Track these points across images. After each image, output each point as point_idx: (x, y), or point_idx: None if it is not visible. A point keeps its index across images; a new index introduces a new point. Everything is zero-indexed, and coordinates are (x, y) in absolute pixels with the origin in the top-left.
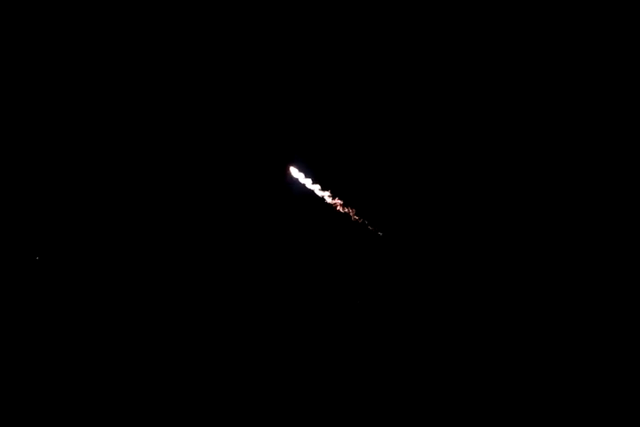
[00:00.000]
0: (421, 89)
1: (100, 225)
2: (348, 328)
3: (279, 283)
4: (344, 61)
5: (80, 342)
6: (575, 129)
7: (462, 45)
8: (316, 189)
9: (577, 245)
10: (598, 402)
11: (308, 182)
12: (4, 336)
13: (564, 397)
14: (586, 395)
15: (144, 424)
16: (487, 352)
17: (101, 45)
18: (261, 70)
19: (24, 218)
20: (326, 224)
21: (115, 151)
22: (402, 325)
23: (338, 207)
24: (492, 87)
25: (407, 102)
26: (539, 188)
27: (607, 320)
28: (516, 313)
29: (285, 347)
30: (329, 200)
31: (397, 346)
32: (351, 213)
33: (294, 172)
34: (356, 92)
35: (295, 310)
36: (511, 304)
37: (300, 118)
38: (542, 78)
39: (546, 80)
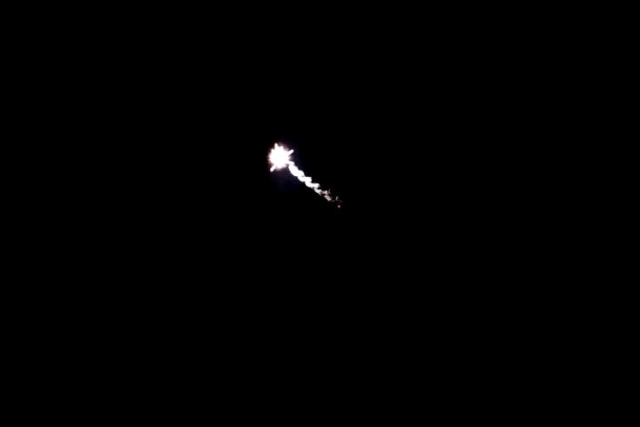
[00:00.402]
0: (418, 90)
1: (95, 223)
2: (345, 323)
3: (278, 279)
4: (342, 62)
5: (79, 341)
6: (575, 129)
7: (462, 46)
8: (315, 187)
9: (577, 245)
10: (598, 402)
11: (307, 180)
12: (4, 336)
13: (564, 397)
14: (586, 395)
15: (144, 424)
16: (486, 351)
17: (101, 45)
18: (260, 70)
19: (24, 218)
20: (324, 221)
21: (107, 147)
22: (397, 320)
23: (338, 206)
24: (491, 87)
25: (405, 105)
26: (534, 187)
27: (607, 320)
28: (514, 312)
29: (281, 340)
30: (328, 198)
31: (393, 342)
32: (349, 211)
33: (294, 170)
34: (356, 95)
35: (294, 303)
36: (509, 303)
37: (300, 118)
38: (542, 79)
39: (546, 80)
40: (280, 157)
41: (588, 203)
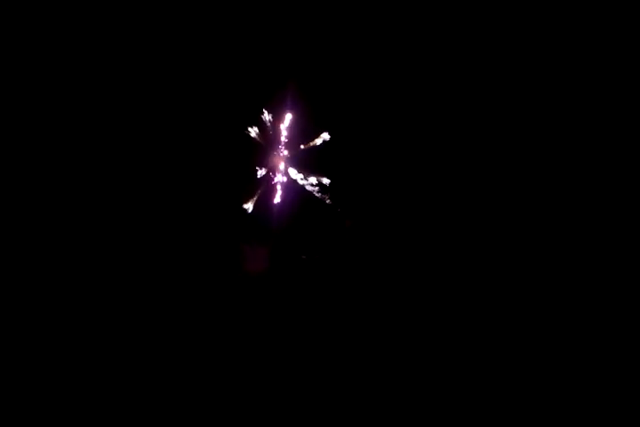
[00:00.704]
0: (415, 93)
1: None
2: (344, 325)
3: (278, 282)
4: (340, 65)
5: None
6: (575, 129)
7: (462, 46)
8: (315, 191)
9: (576, 246)
10: (598, 402)
11: (306, 184)
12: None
13: (564, 397)
14: (586, 395)
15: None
16: (484, 351)
17: (101, 46)
18: (260, 73)
19: (24, 218)
20: (324, 223)
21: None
22: (397, 320)
23: (337, 209)
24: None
25: (403, 108)
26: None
27: (607, 320)
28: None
29: (281, 341)
30: (328, 202)
31: (393, 342)
32: (348, 214)
33: (293, 173)
34: (354, 98)
35: (293, 306)
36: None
37: (299, 122)
38: (542, 79)
39: (546, 81)
40: (279, 161)
41: (587, 203)
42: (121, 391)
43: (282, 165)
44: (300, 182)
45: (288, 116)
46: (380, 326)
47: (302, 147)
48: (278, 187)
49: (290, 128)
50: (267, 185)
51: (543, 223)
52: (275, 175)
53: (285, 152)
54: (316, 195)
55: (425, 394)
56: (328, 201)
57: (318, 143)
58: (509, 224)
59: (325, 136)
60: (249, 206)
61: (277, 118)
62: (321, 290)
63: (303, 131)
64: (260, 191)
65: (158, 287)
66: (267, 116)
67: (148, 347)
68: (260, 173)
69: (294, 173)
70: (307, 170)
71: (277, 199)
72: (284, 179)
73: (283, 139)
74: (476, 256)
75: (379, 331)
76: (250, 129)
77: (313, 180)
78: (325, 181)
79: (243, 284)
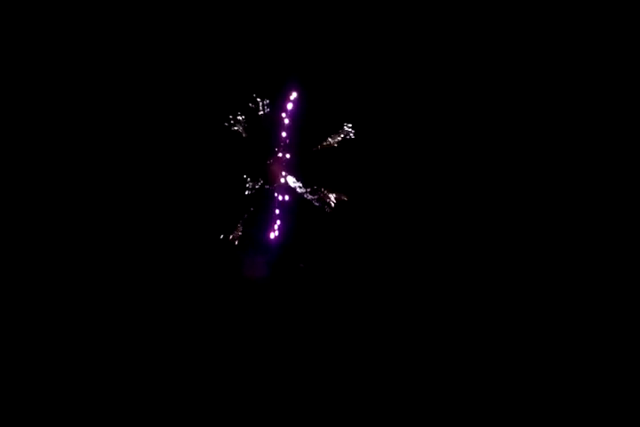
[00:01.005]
0: (413, 98)
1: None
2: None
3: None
4: (336, 71)
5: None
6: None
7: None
8: (314, 199)
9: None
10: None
11: (306, 192)
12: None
13: (564, 397)
14: (586, 395)
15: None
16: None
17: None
18: (259, 76)
19: (24, 218)
20: (324, 233)
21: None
22: (391, 319)
23: (336, 216)
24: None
25: (401, 112)
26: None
27: (607, 320)
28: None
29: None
30: (327, 209)
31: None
32: (347, 221)
33: (291, 181)
34: (353, 104)
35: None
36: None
37: (298, 128)
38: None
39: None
40: (279, 169)
41: (588, 203)
42: (120, 393)
43: (281, 173)
44: (299, 191)
45: (291, 103)
46: (380, 334)
47: (302, 155)
48: (276, 197)
49: (293, 120)
50: (261, 195)
51: (543, 223)
52: (271, 186)
53: (287, 155)
54: (316, 204)
55: (424, 396)
56: (328, 209)
57: (334, 143)
58: (510, 226)
59: (348, 132)
60: (248, 215)
61: (275, 107)
62: (319, 298)
63: (314, 125)
64: (259, 200)
65: (156, 293)
66: (260, 104)
67: (146, 353)
68: (251, 183)
69: (293, 181)
70: (310, 178)
71: (274, 207)
72: (283, 192)
73: (283, 136)
74: (480, 267)
75: (378, 338)
76: (235, 121)
77: (315, 189)
78: (325, 188)
79: (241, 292)
